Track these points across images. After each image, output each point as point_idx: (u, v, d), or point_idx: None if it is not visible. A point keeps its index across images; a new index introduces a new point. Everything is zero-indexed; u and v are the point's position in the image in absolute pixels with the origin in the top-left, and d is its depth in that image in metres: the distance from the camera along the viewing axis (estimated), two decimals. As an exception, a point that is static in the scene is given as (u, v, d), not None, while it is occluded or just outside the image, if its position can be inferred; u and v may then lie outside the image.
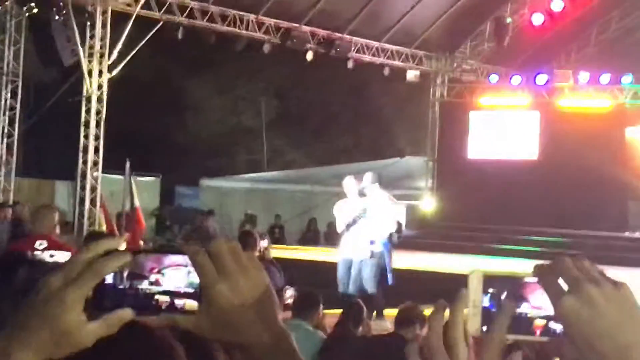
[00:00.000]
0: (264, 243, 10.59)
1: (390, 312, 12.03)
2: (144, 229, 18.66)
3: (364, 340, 7.95)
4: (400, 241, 20.73)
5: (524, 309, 1.25)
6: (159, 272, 1.29)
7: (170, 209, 30.79)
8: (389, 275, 12.72)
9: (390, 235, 13.15)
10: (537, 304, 1.25)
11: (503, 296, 1.25)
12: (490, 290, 1.25)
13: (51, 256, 7.59)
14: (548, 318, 1.24)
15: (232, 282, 1.27)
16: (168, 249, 1.31)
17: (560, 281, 1.22)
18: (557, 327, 1.24)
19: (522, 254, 20.29)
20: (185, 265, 1.29)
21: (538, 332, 1.25)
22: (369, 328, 8.89)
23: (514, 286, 1.26)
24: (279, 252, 15.97)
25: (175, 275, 1.29)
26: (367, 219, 12.68)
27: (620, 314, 1.19)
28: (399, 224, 21.30)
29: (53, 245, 7.94)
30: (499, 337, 1.22)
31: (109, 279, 1.26)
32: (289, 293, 9.24)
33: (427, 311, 7.78)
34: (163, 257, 1.30)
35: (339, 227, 12.93)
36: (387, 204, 13.07)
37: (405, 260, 17.46)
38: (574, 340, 1.20)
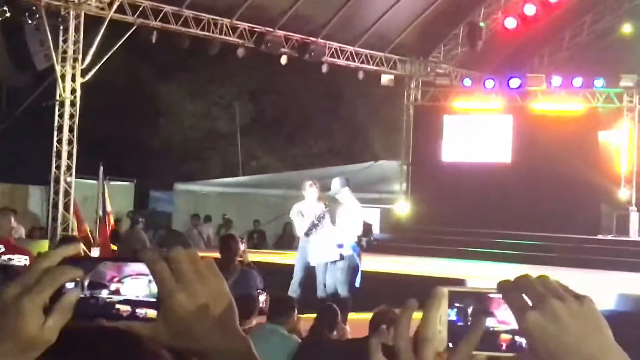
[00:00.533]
0: (241, 246, 10.62)
1: (365, 316, 12.08)
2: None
3: (339, 344, 7.96)
4: (374, 244, 20.75)
5: (490, 323, 1.26)
6: (119, 281, 1.29)
7: (144, 214, 30.69)
8: (358, 279, 12.73)
9: (359, 238, 13.13)
10: (503, 319, 1.26)
11: (469, 310, 1.26)
12: (457, 304, 1.26)
13: (9, 260, 7.55)
14: (514, 332, 1.25)
15: (190, 291, 1.27)
16: (127, 257, 1.31)
17: (525, 297, 1.22)
18: (524, 341, 1.25)
19: (496, 257, 20.40)
20: (146, 275, 1.29)
21: (504, 346, 1.26)
22: (343, 332, 8.91)
23: (479, 302, 1.27)
24: (255, 256, 15.95)
25: (136, 284, 1.29)
26: (335, 223, 12.67)
27: (584, 328, 1.20)
28: (370, 227, 21.33)
29: (10, 249, 7.89)
30: (466, 351, 1.24)
31: (70, 287, 1.26)
32: (262, 298, 9.22)
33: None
34: (123, 266, 1.30)
35: (298, 231, 12.90)
36: (355, 207, 13.06)
37: (380, 264, 17.51)
38: (539, 355, 1.20)
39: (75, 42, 19.25)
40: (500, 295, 1.25)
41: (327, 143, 36.98)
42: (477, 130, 25.02)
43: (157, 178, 33.46)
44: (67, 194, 19.37)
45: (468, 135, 25.06)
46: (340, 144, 36.72)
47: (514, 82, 24.22)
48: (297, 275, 12.79)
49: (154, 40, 20.30)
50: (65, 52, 19.20)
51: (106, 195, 18.72)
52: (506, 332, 1.24)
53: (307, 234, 12.62)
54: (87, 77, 19.46)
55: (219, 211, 28.12)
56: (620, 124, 23.76)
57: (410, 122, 26.03)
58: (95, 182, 20.72)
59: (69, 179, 19.46)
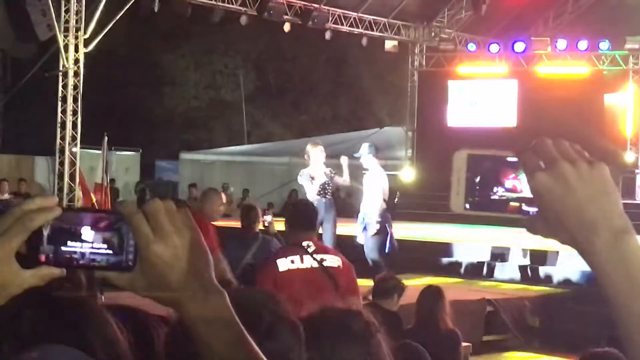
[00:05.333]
0: (268, 217, 10.70)
1: (366, 283, 12.18)
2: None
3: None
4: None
5: (500, 192, 1.32)
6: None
7: (150, 184, 30.78)
8: (388, 245, 12.74)
9: (387, 204, 13.11)
10: (511, 187, 1.32)
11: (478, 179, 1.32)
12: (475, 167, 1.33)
13: None
14: (521, 200, 1.31)
15: (166, 242, 1.30)
16: (104, 209, 1.35)
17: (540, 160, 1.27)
18: (530, 209, 1.30)
19: (501, 222, 20.39)
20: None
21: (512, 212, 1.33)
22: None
23: (496, 164, 1.33)
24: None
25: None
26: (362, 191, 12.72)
27: (590, 191, 1.23)
28: (395, 192, 21.29)
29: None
30: None
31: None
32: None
33: (406, 281, 7.82)
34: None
35: (309, 195, 12.80)
36: (376, 176, 13.00)
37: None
38: (546, 216, 1.25)
39: (77, 12, 19.18)
40: (516, 159, 1.32)
41: (332, 110, 36.93)
42: (482, 95, 24.95)
43: (163, 147, 33.50)
44: (72, 164, 19.37)
45: (473, 100, 24.99)
46: (345, 111, 36.68)
47: (519, 46, 24.09)
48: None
49: (156, 9, 20.20)
50: (67, 22, 19.14)
51: (108, 166, 18.73)
52: (515, 199, 1.30)
53: (319, 195, 12.55)
54: (90, 47, 19.41)
55: (225, 180, 28.16)
56: (626, 86, 23.67)
57: (414, 88, 25.96)
58: (100, 152, 20.75)
59: (74, 150, 19.45)
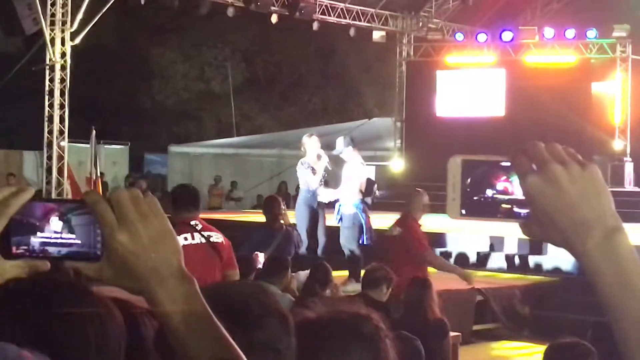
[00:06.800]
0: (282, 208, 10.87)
1: (342, 273, 12.19)
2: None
3: (331, 301, 7.98)
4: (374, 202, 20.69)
5: (490, 193, 1.34)
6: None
7: (140, 177, 30.74)
8: (365, 236, 12.74)
9: (363, 195, 13.11)
10: (502, 189, 1.34)
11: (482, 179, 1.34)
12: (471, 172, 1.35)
13: None
14: (512, 202, 1.33)
15: (132, 231, 1.29)
16: (70, 199, 1.34)
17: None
18: (522, 210, 1.33)
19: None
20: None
21: (502, 214, 1.35)
22: (337, 290, 8.96)
23: (490, 169, 1.35)
24: (254, 216, 15.93)
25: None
26: (340, 182, 12.73)
27: (581, 192, 1.24)
28: (373, 184, 21.28)
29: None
30: None
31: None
32: (260, 259, 9.30)
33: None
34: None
35: (313, 185, 12.79)
36: (355, 167, 13.03)
37: (375, 221, 17.51)
38: (539, 218, 1.26)
39: (64, 5, 19.11)
40: (509, 163, 1.32)
41: (321, 101, 36.90)
42: (471, 84, 24.93)
43: (152, 140, 33.45)
44: (60, 158, 19.31)
45: (461, 90, 24.97)
46: (333, 102, 36.65)
47: (507, 35, 24.07)
48: (303, 227, 12.67)
49: (142, 2, 20.13)
50: (53, 15, 19.08)
51: (97, 159, 18.68)
52: (506, 202, 1.32)
53: (320, 185, 12.63)
54: (77, 40, 19.34)
55: (214, 173, 28.14)
56: (614, 74, 23.67)
57: (403, 79, 25.93)
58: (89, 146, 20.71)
59: (62, 144, 19.39)
